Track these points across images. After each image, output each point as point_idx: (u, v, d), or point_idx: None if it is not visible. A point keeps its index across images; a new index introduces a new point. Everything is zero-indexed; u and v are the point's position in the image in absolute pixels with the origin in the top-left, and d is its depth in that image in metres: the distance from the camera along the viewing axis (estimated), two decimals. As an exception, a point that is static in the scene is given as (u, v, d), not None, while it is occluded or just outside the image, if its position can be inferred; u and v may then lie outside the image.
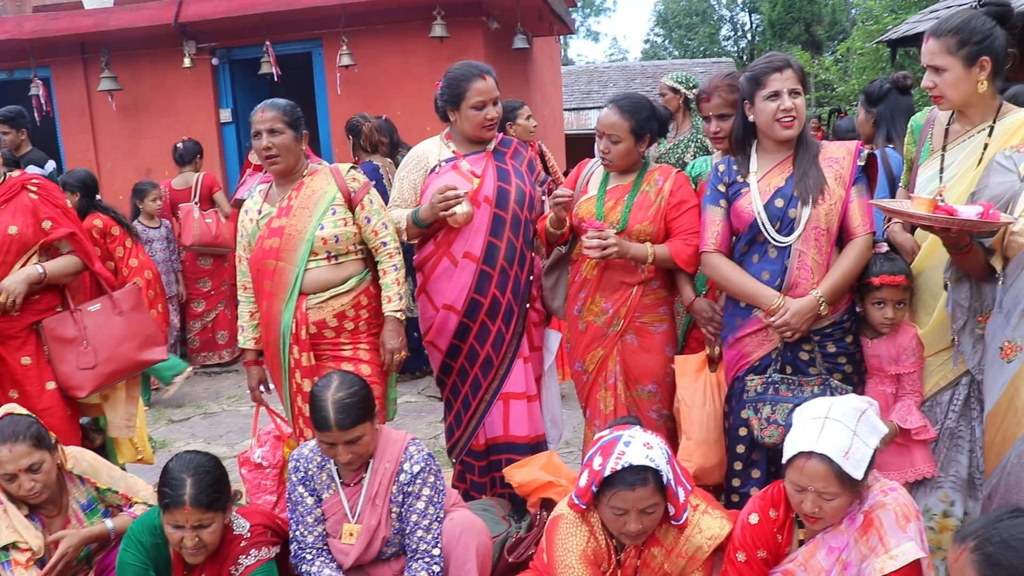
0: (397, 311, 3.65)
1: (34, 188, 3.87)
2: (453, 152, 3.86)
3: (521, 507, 3.85)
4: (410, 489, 3.09)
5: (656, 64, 24.35)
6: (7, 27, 8.84)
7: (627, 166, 3.63)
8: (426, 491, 3.10)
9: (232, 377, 7.06)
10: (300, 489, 3.15)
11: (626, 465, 2.70)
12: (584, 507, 2.85)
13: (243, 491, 3.80)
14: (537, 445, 3.94)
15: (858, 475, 2.55)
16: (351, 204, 3.62)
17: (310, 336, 3.57)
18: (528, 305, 3.89)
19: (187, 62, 8.66)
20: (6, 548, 3.08)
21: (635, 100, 3.60)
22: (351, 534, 3.12)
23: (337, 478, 3.15)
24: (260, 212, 3.65)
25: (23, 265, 3.77)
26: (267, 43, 8.41)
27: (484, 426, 3.93)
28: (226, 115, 9.01)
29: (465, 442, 3.99)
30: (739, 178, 3.30)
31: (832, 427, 2.58)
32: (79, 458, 3.36)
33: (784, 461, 2.66)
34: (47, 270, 3.79)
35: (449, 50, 8.17)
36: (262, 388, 3.85)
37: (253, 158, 7.92)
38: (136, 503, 3.29)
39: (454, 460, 4.07)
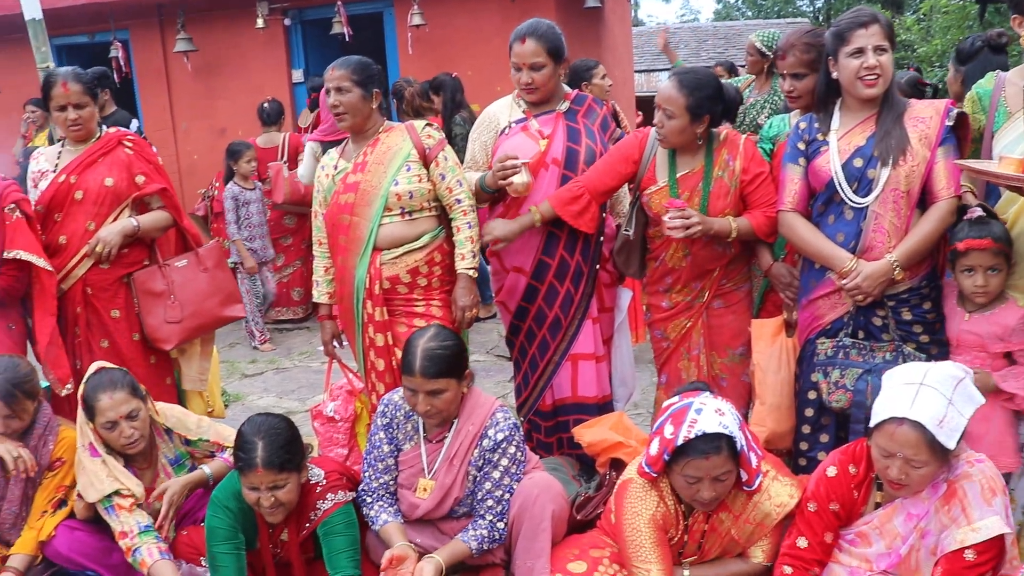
0: (470, 268, 3.67)
1: (129, 144, 3.97)
2: (523, 112, 3.82)
3: (589, 467, 3.86)
4: (491, 456, 3.11)
5: (728, 25, 23.84)
6: (87, -10, 9.01)
7: (681, 145, 3.48)
8: (504, 461, 3.11)
9: (303, 334, 7.17)
10: (381, 434, 3.20)
11: (699, 433, 2.68)
12: (655, 475, 2.84)
13: (315, 444, 3.89)
14: (604, 406, 3.93)
15: (951, 445, 2.49)
16: (426, 161, 3.63)
17: (383, 291, 3.60)
18: (598, 266, 3.85)
19: (260, 23, 8.75)
20: (110, 495, 3.20)
21: (699, 77, 3.44)
22: (425, 489, 3.16)
23: (422, 431, 3.19)
24: (336, 168, 3.67)
25: (116, 218, 3.88)
26: (339, 3, 8.45)
27: (552, 387, 3.94)
28: (298, 75, 9.10)
29: (533, 402, 4.00)
30: (819, 136, 3.21)
31: (927, 394, 2.51)
32: (167, 412, 3.47)
33: (872, 424, 2.61)
34: (140, 224, 3.90)
35: (519, 10, 8.10)
36: (335, 343, 3.90)
37: (302, 121, 7.99)
38: (228, 447, 3.37)
39: (521, 419, 4.09)
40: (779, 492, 2.87)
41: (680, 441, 2.70)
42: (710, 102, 3.40)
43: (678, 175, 3.53)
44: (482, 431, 3.12)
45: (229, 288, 4.16)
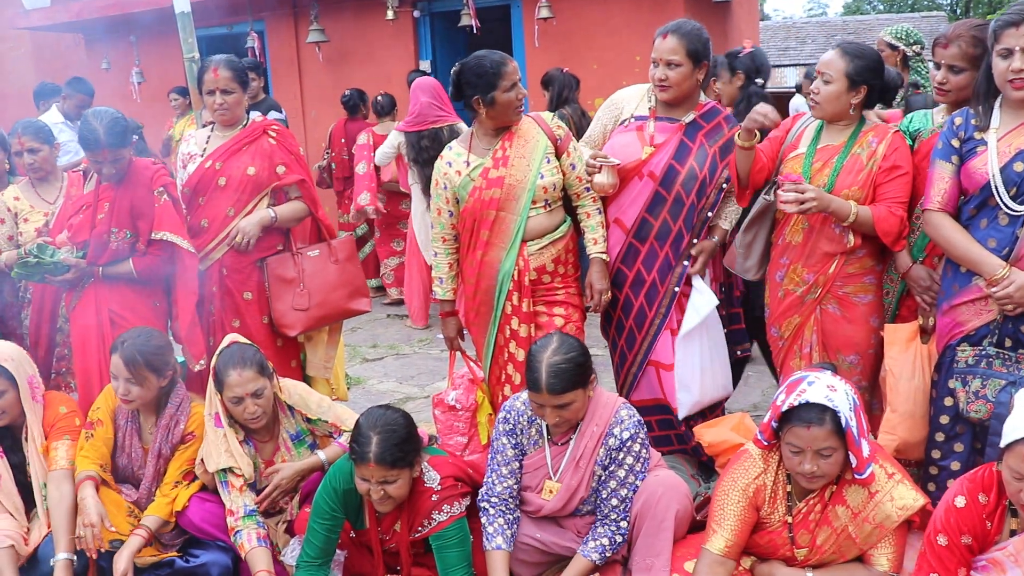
0: (603, 252, 3.72)
1: (273, 134, 4.11)
2: (649, 108, 3.80)
3: (705, 465, 3.84)
4: (616, 455, 3.09)
5: (859, 19, 23.07)
6: (229, -17, 9.37)
7: (835, 113, 3.42)
8: (629, 460, 3.09)
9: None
10: (504, 440, 3.19)
11: (803, 402, 2.66)
12: (767, 443, 2.83)
13: (436, 433, 3.94)
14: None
15: None
16: (558, 151, 3.67)
17: (531, 282, 3.65)
18: (677, 289, 3.79)
19: (390, 14, 8.91)
20: (224, 470, 3.33)
21: (863, 48, 3.41)
22: (551, 491, 3.16)
23: (546, 434, 3.18)
24: (468, 163, 3.70)
25: (255, 206, 4.03)
26: (468, -4, 8.54)
27: (641, 388, 3.92)
28: (425, 66, 9.23)
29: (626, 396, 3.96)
30: (976, 134, 3.04)
31: None
32: (291, 390, 3.56)
33: (1003, 445, 2.48)
34: (278, 215, 4.04)
35: (648, 4, 8.03)
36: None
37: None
38: (345, 431, 3.45)
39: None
40: (903, 495, 2.78)
41: (785, 407, 2.69)
42: (870, 73, 3.35)
43: (818, 146, 3.48)
44: (607, 430, 3.10)
45: (358, 282, 4.27)
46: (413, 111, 6.40)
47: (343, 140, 8.02)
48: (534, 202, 3.62)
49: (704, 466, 3.93)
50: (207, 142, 4.10)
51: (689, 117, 3.75)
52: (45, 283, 3.94)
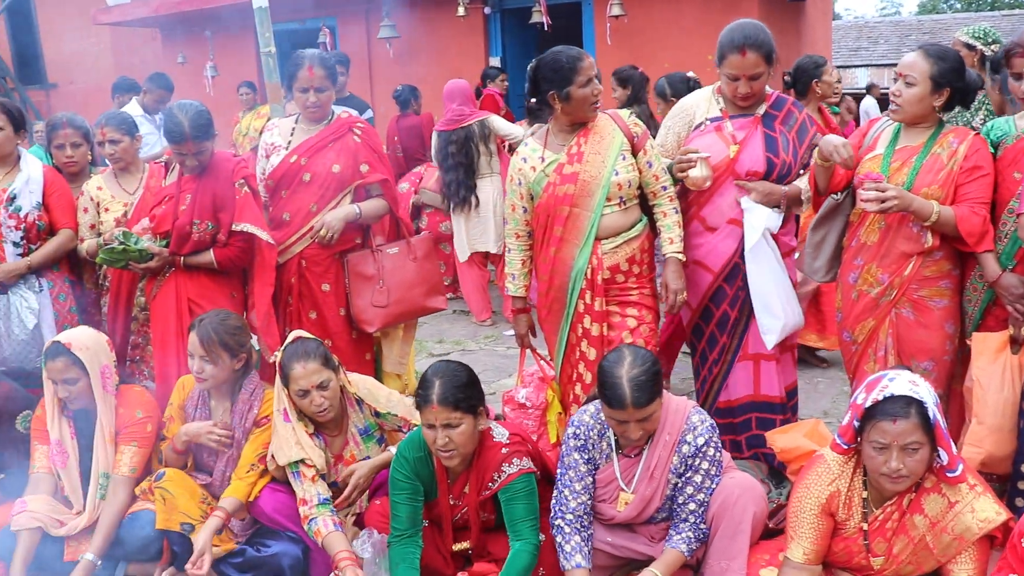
0: (679, 252, 3.68)
1: (358, 131, 4.14)
2: (720, 111, 3.75)
3: (775, 471, 3.79)
4: (691, 461, 3.04)
5: (935, 19, 22.53)
6: (303, -20, 9.49)
7: (917, 116, 3.35)
8: (705, 464, 3.05)
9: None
10: (576, 455, 3.13)
11: (888, 395, 2.60)
12: (846, 446, 2.76)
13: (503, 416, 3.94)
14: (787, 405, 3.87)
15: None
16: (634, 149, 3.64)
17: (604, 281, 3.63)
18: None
19: (461, 11, 8.95)
20: (296, 462, 3.35)
21: (946, 50, 3.35)
22: (626, 503, 3.12)
23: (615, 446, 3.14)
24: (543, 159, 3.68)
25: (338, 203, 4.07)
26: (539, -8, 8.53)
27: (728, 386, 3.88)
28: (495, 63, 9.25)
29: (712, 399, 3.95)
30: None
31: None
32: (359, 384, 3.59)
33: None
34: (362, 211, 4.08)
35: (721, 4, 7.95)
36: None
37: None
38: (416, 424, 3.45)
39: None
40: (984, 508, 2.69)
41: (869, 403, 2.63)
42: (953, 75, 3.30)
43: (896, 147, 3.41)
44: (680, 437, 3.06)
45: (435, 280, 4.31)
46: (449, 109, 6.57)
47: (396, 138, 8.02)
48: (608, 199, 3.59)
49: (775, 472, 3.87)
50: (291, 134, 4.13)
51: (761, 109, 3.71)
52: (128, 270, 4.02)
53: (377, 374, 4.32)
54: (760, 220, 3.61)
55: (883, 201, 3.19)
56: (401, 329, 4.30)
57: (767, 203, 3.64)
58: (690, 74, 6.51)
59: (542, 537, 3.11)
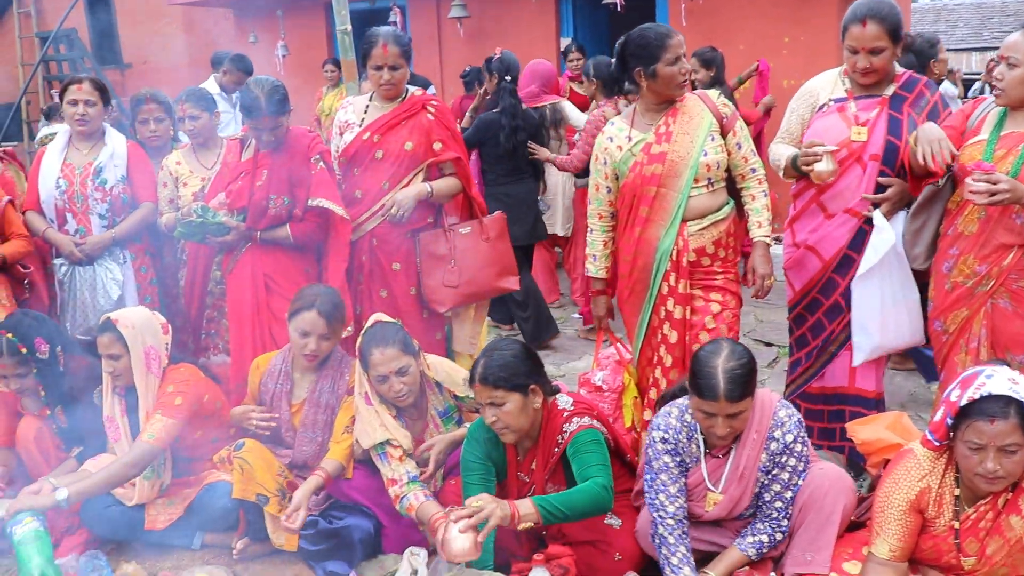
0: (767, 236, 3.61)
1: (432, 109, 4.12)
2: (845, 91, 3.63)
3: (854, 463, 3.69)
4: (779, 459, 2.96)
5: (1020, 0, 21.74)
6: (374, -40, 9.52)
7: (1019, 99, 3.19)
8: (792, 461, 2.97)
9: (556, 303, 7.22)
10: (667, 459, 3.04)
11: (985, 394, 2.49)
12: (938, 443, 2.66)
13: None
14: (881, 402, 3.75)
15: None
16: (723, 130, 3.58)
17: (689, 263, 3.57)
18: None
19: (533, -9, 8.88)
20: (381, 443, 3.36)
21: None
22: (714, 503, 3.05)
23: (702, 447, 3.06)
24: (630, 138, 3.62)
25: (410, 181, 4.05)
26: (612, -28, 8.41)
27: (824, 374, 3.80)
28: (566, 44, 9.13)
29: (802, 384, 3.88)
30: None
31: None
32: (437, 367, 3.58)
33: None
34: (434, 189, 4.06)
35: (799, -17, 7.76)
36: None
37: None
38: None
39: (786, 398, 3.93)
40: None
41: (964, 402, 2.52)
42: None
43: (1001, 133, 3.25)
44: (768, 435, 2.97)
45: (507, 260, 4.28)
46: (523, 85, 6.45)
47: (459, 119, 7.95)
48: (696, 180, 3.52)
49: (853, 463, 3.77)
50: (365, 112, 4.13)
51: (890, 90, 3.58)
52: (205, 243, 4.06)
53: (447, 354, 4.31)
54: (886, 243, 3.50)
55: (993, 194, 3.04)
56: (472, 309, 4.28)
57: (900, 206, 3.53)
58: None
59: (619, 521, 3.06)
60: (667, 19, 8.62)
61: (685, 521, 3.00)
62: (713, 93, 3.66)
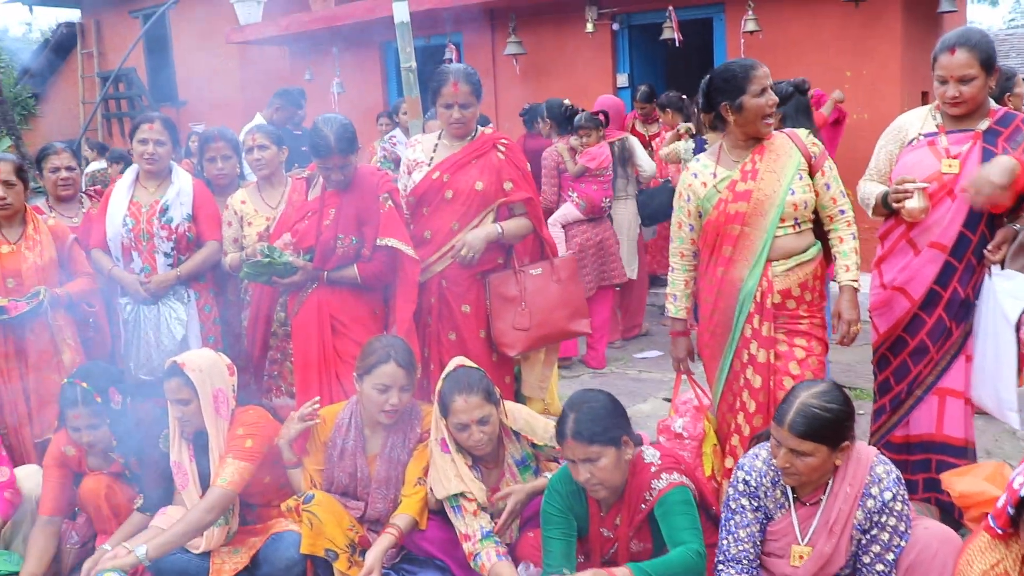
0: (854, 280, 3.47)
1: (503, 148, 4.05)
2: (936, 126, 3.51)
3: (948, 514, 3.49)
4: (878, 518, 2.80)
5: (1073, 33, 21.31)
6: (432, -4, 9.53)
7: None
8: (892, 520, 2.81)
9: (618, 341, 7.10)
10: (743, 501, 2.93)
11: None
12: (1001, 531, 2.50)
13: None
14: (969, 451, 3.58)
15: None
16: (812, 169, 3.46)
17: (773, 305, 3.44)
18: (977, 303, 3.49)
19: (589, 27, 8.82)
20: (456, 495, 3.25)
21: None
22: (800, 557, 2.89)
23: (791, 494, 2.92)
24: (715, 175, 3.52)
25: (480, 221, 3.97)
26: (670, 8, 8.33)
27: (908, 421, 3.64)
28: (622, 80, 9.11)
29: (885, 432, 3.72)
30: None
31: None
32: (515, 414, 3.48)
33: None
34: (504, 230, 3.98)
35: (862, 15, 7.62)
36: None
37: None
38: None
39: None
40: None
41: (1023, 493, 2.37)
42: None
43: None
44: (864, 490, 2.82)
45: (578, 302, 4.18)
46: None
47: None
48: (782, 220, 3.41)
49: (948, 516, 3.57)
50: (434, 150, 4.06)
51: (984, 124, 3.45)
52: (271, 284, 4.00)
53: (516, 399, 4.19)
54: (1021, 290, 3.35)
55: None
56: (543, 353, 4.17)
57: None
58: (566, 101, 6.75)
59: None
60: (725, 53, 8.51)
61: (746, 564, 2.89)
62: (802, 132, 3.55)
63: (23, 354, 4.04)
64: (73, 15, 15.64)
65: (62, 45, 15.78)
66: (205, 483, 3.49)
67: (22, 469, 3.84)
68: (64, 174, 4.64)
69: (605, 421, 2.92)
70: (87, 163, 9.88)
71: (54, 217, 4.47)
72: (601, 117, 6.38)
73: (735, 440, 3.55)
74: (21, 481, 3.73)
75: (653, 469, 3.00)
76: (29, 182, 4.22)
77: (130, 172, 4.43)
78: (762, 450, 2.97)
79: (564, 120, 6.44)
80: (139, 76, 13.71)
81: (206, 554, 3.42)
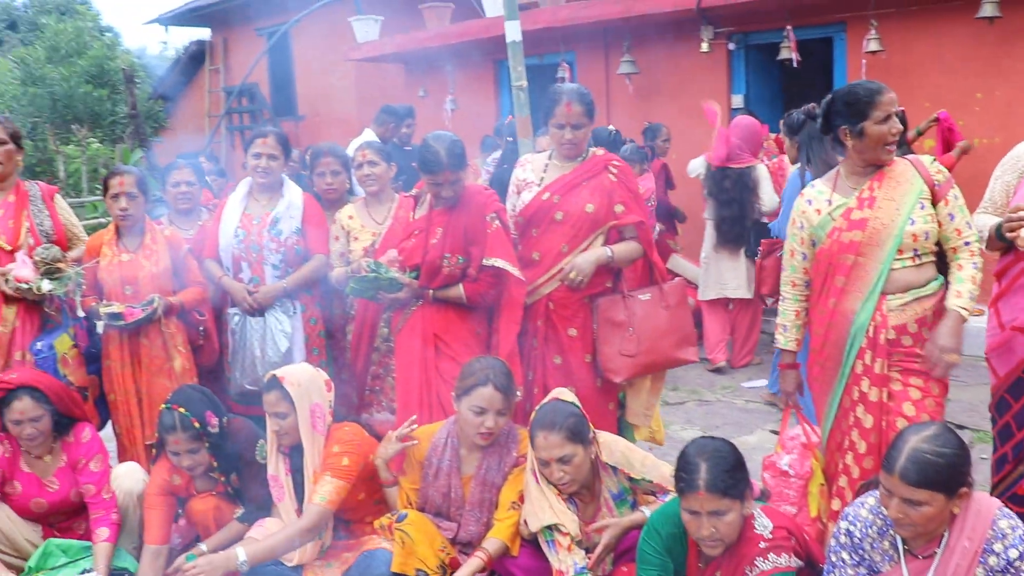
0: (963, 307, 3.19)
1: (615, 170, 3.97)
2: None
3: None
4: None
5: None
6: (544, 16, 9.54)
7: None
8: None
9: (727, 367, 6.92)
10: (844, 554, 2.76)
11: None
12: None
13: (765, 488, 3.61)
14: None
15: None
16: (935, 198, 3.25)
17: (887, 342, 3.24)
18: None
19: (704, 47, 8.67)
20: (550, 528, 3.19)
21: None
22: None
23: (901, 546, 2.72)
24: (830, 202, 3.36)
25: (590, 244, 3.90)
26: (788, 27, 8.10)
27: None
28: (738, 100, 8.89)
29: (1011, 484, 3.43)
30: None
31: None
32: (612, 447, 3.40)
33: None
34: (615, 254, 3.90)
35: (997, 33, 7.23)
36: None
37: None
38: (670, 491, 3.22)
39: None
40: None
41: None
42: None
43: None
44: (985, 546, 2.60)
45: (687, 329, 4.06)
46: (722, 148, 6.43)
47: (665, 178, 7.81)
48: (900, 251, 3.21)
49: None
50: (544, 171, 4.00)
51: None
52: (376, 300, 4.01)
53: (620, 424, 4.09)
54: None
55: None
56: (649, 380, 4.05)
57: None
58: (611, 128, 6.72)
59: None
60: (845, 74, 8.23)
61: None
62: (926, 159, 3.35)
63: (137, 359, 4.17)
64: (204, 33, 16.36)
65: (192, 62, 16.53)
66: (300, 496, 3.51)
67: (120, 467, 3.94)
68: (184, 188, 4.77)
69: (737, 473, 2.81)
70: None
71: (171, 228, 4.61)
72: (647, 150, 6.30)
73: (843, 481, 3.37)
74: (119, 479, 3.82)
75: (762, 545, 2.84)
76: (149, 193, 4.36)
77: (243, 184, 4.53)
78: (869, 498, 2.78)
79: (610, 146, 6.21)
80: (262, 91, 14.19)
81: (299, 567, 3.44)
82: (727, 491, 2.76)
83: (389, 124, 7.63)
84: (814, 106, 5.25)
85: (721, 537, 2.79)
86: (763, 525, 2.88)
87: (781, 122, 7.02)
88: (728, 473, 2.78)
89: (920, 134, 6.79)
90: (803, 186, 5.25)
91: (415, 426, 3.56)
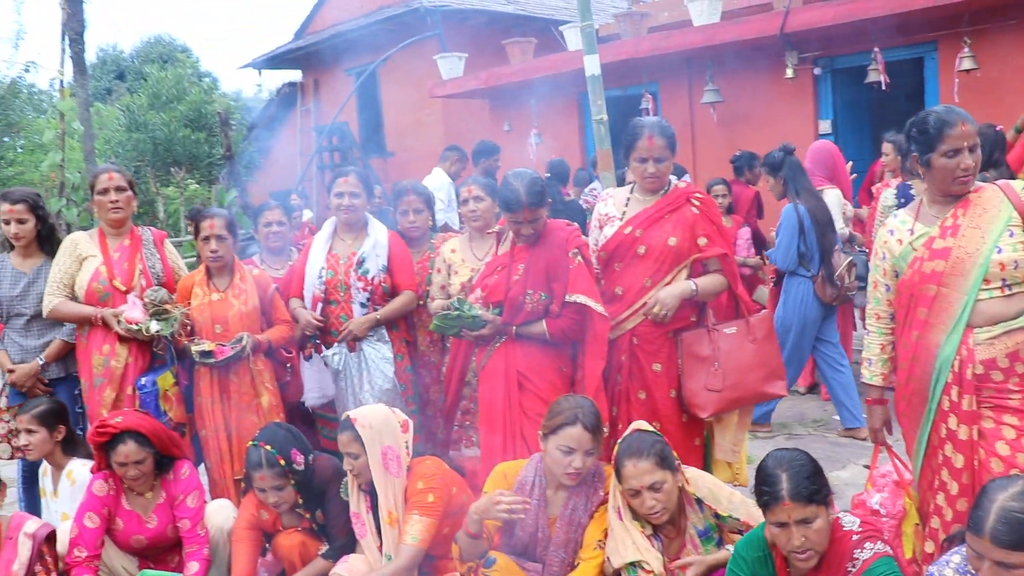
0: None
1: (697, 202, 3.94)
2: None
3: None
4: None
5: None
6: (626, 48, 9.58)
7: None
8: None
9: (816, 399, 6.74)
10: None
11: None
12: None
13: None
14: None
15: None
16: None
17: (975, 377, 3.10)
18: None
19: (789, 72, 8.56)
20: (633, 564, 3.15)
21: None
22: None
23: None
24: (912, 232, 3.25)
25: (673, 278, 3.87)
26: (875, 49, 7.94)
27: None
28: (825, 126, 8.73)
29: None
30: None
31: None
32: (699, 482, 3.35)
33: None
34: (699, 287, 3.86)
35: (1100, 50, 6.97)
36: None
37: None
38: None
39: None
40: None
41: None
42: None
43: None
44: None
45: (774, 363, 3.99)
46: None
47: (750, 210, 7.69)
48: (987, 281, 3.06)
49: None
50: (626, 205, 3.99)
51: None
52: (460, 337, 4.05)
53: (706, 461, 4.03)
54: None
55: None
56: (736, 415, 3.98)
57: None
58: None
59: None
60: (937, 95, 8.01)
61: None
62: (1017, 184, 3.19)
63: (227, 395, 4.30)
64: (295, 75, 16.89)
65: (285, 103, 17.06)
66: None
67: (212, 504, 4.07)
68: (275, 228, 4.92)
69: (817, 479, 2.79)
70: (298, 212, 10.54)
71: (260, 268, 4.74)
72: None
73: (935, 523, 3.22)
74: (211, 515, 3.94)
75: (855, 537, 2.80)
76: (237, 234, 4.50)
77: (328, 224, 4.63)
78: (955, 556, 2.63)
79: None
80: (351, 129, 14.55)
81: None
82: (811, 497, 2.73)
83: (458, 161, 7.74)
84: (788, 143, 5.68)
85: (812, 546, 2.75)
86: (849, 522, 2.85)
87: (759, 161, 6.97)
88: (809, 479, 2.76)
89: (1020, 131, 6.52)
90: (799, 219, 5.49)
91: (528, 506, 3.43)
